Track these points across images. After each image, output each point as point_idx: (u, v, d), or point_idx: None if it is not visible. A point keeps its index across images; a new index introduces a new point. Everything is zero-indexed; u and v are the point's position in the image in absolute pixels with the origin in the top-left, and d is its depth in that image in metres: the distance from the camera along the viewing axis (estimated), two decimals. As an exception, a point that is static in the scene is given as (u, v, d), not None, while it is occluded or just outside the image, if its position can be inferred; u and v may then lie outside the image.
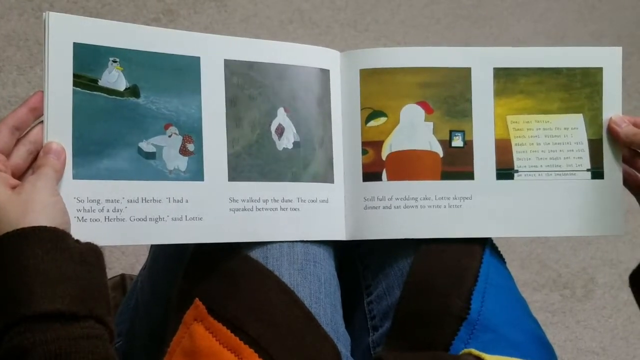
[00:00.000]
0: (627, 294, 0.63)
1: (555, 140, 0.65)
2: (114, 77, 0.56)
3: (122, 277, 0.98)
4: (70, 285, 0.46)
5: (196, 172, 0.58)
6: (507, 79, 0.65)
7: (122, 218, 0.55)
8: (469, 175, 0.64)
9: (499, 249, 0.67)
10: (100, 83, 0.56)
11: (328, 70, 0.63)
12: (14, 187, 0.50)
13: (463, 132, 0.64)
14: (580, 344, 1.28)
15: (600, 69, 0.65)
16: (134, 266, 1.11)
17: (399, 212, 0.63)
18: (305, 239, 0.61)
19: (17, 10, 1.20)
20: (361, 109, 0.64)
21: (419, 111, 0.64)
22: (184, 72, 0.58)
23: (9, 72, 1.18)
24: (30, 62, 1.19)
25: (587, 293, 1.31)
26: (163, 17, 1.27)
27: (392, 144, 0.64)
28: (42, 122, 0.54)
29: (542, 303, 1.29)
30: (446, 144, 0.64)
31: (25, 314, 0.44)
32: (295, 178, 0.61)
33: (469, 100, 0.64)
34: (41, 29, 0.54)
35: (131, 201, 0.56)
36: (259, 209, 0.60)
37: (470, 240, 0.64)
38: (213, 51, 0.59)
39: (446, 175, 0.64)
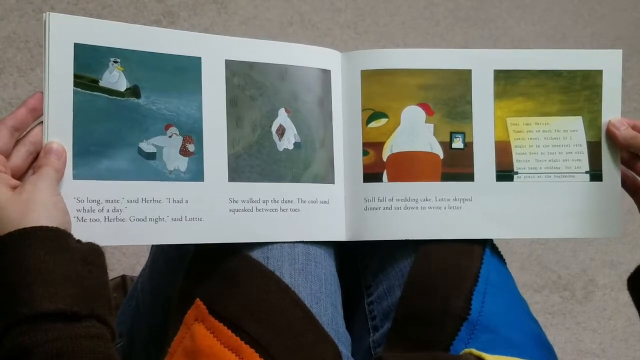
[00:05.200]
0: (627, 296, 0.63)
1: (554, 142, 0.65)
2: (115, 78, 0.56)
3: (123, 278, 0.98)
4: (71, 285, 0.46)
5: (196, 173, 0.58)
6: (507, 81, 0.65)
7: (122, 218, 0.55)
8: (469, 177, 0.64)
9: (499, 250, 0.67)
10: (101, 83, 0.56)
11: (329, 71, 0.64)
12: (14, 188, 0.50)
13: (463, 133, 0.64)
14: (580, 346, 1.29)
15: (600, 72, 0.65)
16: (134, 267, 1.11)
17: (399, 213, 0.63)
18: (305, 240, 0.61)
19: (18, 12, 1.20)
20: (362, 110, 0.64)
21: (420, 113, 0.64)
22: (184, 72, 0.58)
23: (10, 74, 1.18)
24: (31, 63, 1.19)
25: (587, 294, 1.31)
26: (163, 19, 1.27)
27: (393, 145, 0.64)
28: (41, 122, 0.54)
29: (542, 304, 1.29)
30: (446, 146, 0.64)
31: (26, 314, 0.44)
32: (295, 179, 0.61)
33: (470, 102, 0.65)
34: (41, 31, 0.54)
35: (131, 201, 0.56)
36: (259, 210, 0.60)
37: (470, 241, 0.64)
38: (214, 51, 0.60)
39: (446, 177, 0.64)
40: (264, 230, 0.60)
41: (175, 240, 0.58)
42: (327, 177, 0.63)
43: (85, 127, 0.55)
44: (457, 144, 0.64)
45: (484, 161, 0.64)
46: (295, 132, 0.62)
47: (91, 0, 1.24)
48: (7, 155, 0.52)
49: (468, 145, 0.64)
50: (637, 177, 0.66)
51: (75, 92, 0.55)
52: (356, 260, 0.69)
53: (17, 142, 0.53)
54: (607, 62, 0.65)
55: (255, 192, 0.60)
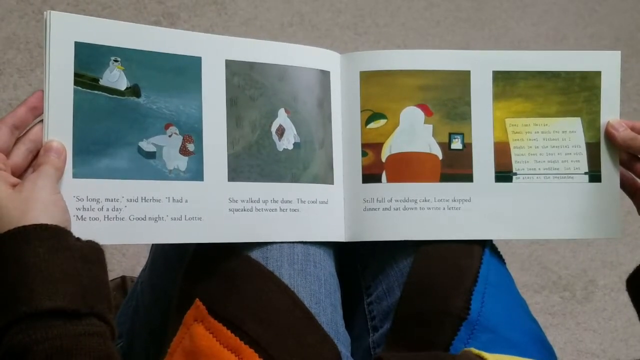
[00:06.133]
0: (627, 296, 0.63)
1: (553, 143, 0.65)
2: (115, 77, 0.56)
3: (123, 279, 0.98)
4: (71, 283, 0.46)
5: (196, 172, 0.58)
6: (506, 82, 0.65)
7: (121, 217, 0.55)
8: (468, 178, 0.64)
9: (499, 250, 0.67)
10: (101, 82, 0.56)
11: (328, 72, 0.64)
12: (14, 186, 0.50)
13: (462, 134, 0.65)
14: (580, 346, 1.29)
15: (598, 73, 0.65)
16: (134, 268, 1.11)
17: (398, 214, 0.63)
18: (304, 240, 0.62)
19: (18, 12, 1.21)
20: (361, 111, 0.64)
21: (419, 113, 0.64)
22: (185, 72, 0.58)
23: (10, 75, 1.18)
24: (31, 64, 1.19)
25: (587, 295, 1.32)
26: (163, 20, 1.27)
27: (392, 146, 0.64)
28: (41, 121, 0.54)
29: (542, 305, 1.29)
30: (445, 147, 0.64)
31: (26, 311, 0.44)
32: (295, 179, 0.62)
33: (468, 103, 0.65)
34: (42, 32, 0.54)
35: (131, 200, 0.56)
36: (258, 210, 0.60)
37: (470, 241, 0.64)
38: (214, 51, 0.60)
39: (445, 178, 0.64)
40: (264, 230, 0.60)
41: (175, 240, 0.58)
42: (326, 177, 0.63)
43: (85, 126, 0.55)
44: (456, 144, 0.65)
45: (483, 162, 0.64)
46: (295, 133, 0.62)
47: (91, 1, 1.25)
48: (7, 154, 0.53)
49: (467, 146, 0.65)
50: (636, 178, 0.66)
51: (75, 91, 0.55)
52: (355, 261, 0.69)
53: (17, 140, 0.53)
54: (606, 64, 0.66)
55: (254, 192, 0.60)
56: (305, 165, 0.62)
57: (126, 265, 1.12)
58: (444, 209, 0.64)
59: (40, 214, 0.48)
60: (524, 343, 0.61)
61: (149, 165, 0.57)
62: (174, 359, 0.57)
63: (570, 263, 1.33)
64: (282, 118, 0.62)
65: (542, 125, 0.65)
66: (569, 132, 0.65)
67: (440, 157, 0.64)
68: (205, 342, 0.56)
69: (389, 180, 0.64)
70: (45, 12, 0.54)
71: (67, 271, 0.46)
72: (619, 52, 0.66)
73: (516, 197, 0.65)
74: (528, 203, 0.65)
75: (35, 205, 0.49)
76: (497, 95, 0.65)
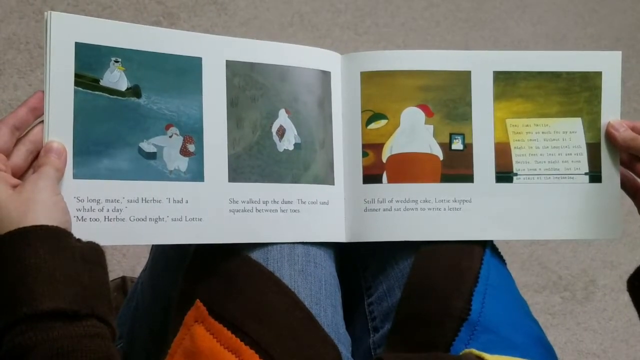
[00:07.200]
0: (628, 296, 0.63)
1: (554, 143, 0.65)
2: (116, 77, 0.56)
3: (123, 279, 0.98)
4: (72, 284, 0.46)
5: (196, 173, 0.58)
6: (506, 83, 0.65)
7: (121, 218, 0.55)
8: (469, 178, 0.64)
9: (499, 251, 0.67)
10: (102, 83, 0.56)
11: (329, 72, 0.64)
12: (14, 187, 0.50)
13: (463, 135, 0.65)
14: (580, 346, 1.29)
15: (599, 74, 0.65)
16: (134, 268, 1.11)
17: (399, 214, 0.63)
18: (305, 241, 0.61)
19: (18, 13, 1.21)
20: (362, 112, 0.64)
21: (420, 114, 0.64)
22: (185, 72, 0.58)
23: (10, 76, 1.18)
24: (31, 65, 1.19)
25: (588, 295, 1.32)
26: (163, 20, 1.27)
27: (393, 147, 0.64)
28: (42, 122, 0.54)
29: (542, 305, 1.29)
30: (446, 147, 0.64)
31: (26, 312, 0.44)
32: (295, 179, 0.62)
33: (469, 104, 0.65)
34: (42, 32, 0.54)
35: (131, 201, 0.56)
36: (259, 210, 0.60)
37: (470, 241, 0.64)
38: (215, 52, 0.60)
39: (446, 178, 0.64)
40: (264, 231, 0.60)
41: (175, 241, 0.58)
42: (327, 178, 0.63)
43: (85, 127, 0.55)
44: (457, 145, 0.65)
45: (484, 162, 0.64)
46: (296, 133, 0.62)
47: (91, 2, 1.25)
48: (8, 154, 0.53)
49: (467, 147, 0.65)
50: (637, 178, 0.66)
51: (76, 92, 0.55)
52: (356, 261, 0.69)
53: (18, 141, 0.53)
54: (607, 64, 0.66)
55: (255, 192, 0.60)
56: (305, 165, 0.62)
57: (126, 265, 1.12)
58: (444, 209, 0.64)
59: (40, 215, 0.48)
60: (525, 344, 0.61)
61: (149, 166, 0.57)
62: (174, 359, 0.57)
63: (571, 263, 1.33)
64: (282, 118, 0.62)
65: (543, 126, 0.65)
66: (570, 132, 0.65)
67: (441, 158, 0.64)
68: (206, 343, 0.56)
69: (389, 180, 0.64)
70: (45, 13, 0.54)
71: (68, 272, 0.46)
72: (620, 52, 0.66)
73: (517, 197, 0.65)
74: (528, 203, 0.65)
75: (36, 206, 0.49)
76: (498, 96, 0.65)
